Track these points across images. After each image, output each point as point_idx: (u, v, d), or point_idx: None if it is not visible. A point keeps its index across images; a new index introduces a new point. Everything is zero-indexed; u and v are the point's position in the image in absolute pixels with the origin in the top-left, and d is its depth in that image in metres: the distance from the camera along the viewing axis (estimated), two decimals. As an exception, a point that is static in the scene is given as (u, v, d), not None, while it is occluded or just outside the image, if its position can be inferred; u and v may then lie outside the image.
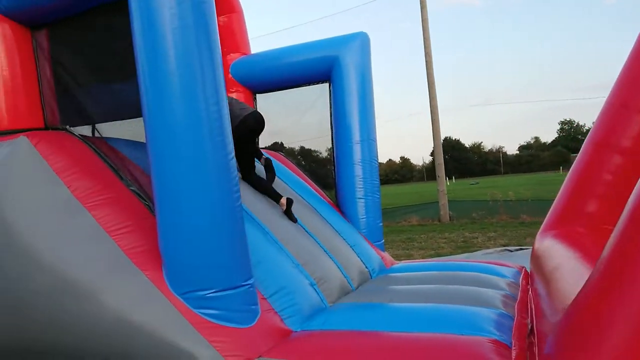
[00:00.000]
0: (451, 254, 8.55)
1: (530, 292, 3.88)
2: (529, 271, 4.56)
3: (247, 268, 2.80)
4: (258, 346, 2.67)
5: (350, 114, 5.16)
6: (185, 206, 2.62)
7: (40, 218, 2.83)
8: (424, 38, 14.25)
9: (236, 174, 2.79)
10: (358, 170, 5.11)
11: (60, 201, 2.85)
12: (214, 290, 2.64)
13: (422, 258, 8.22)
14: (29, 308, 2.78)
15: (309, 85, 5.41)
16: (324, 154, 5.76)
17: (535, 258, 4.34)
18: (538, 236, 4.70)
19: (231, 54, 5.58)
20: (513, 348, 2.64)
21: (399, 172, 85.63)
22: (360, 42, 5.27)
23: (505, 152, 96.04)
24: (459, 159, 79.43)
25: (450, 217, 14.05)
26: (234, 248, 2.73)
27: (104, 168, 3.06)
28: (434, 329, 2.80)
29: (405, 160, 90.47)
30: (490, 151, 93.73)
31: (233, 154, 2.77)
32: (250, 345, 2.65)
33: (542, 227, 4.78)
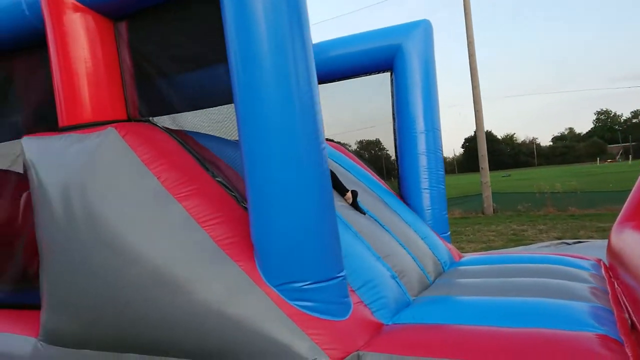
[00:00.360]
0: (504, 246, 8.35)
1: (616, 285, 3.72)
2: (606, 264, 4.39)
3: (340, 260, 2.74)
4: (355, 339, 2.61)
5: (414, 104, 5.04)
6: (280, 197, 2.57)
7: (130, 210, 2.82)
8: (466, 26, 13.95)
9: (327, 164, 2.73)
10: (423, 161, 5.00)
11: (150, 192, 2.84)
12: (309, 282, 2.59)
13: (474, 251, 8.05)
14: (121, 303, 2.77)
15: (370, 74, 5.31)
16: (384, 145, 5.67)
17: (616, 250, 4.17)
18: (615, 228, 4.52)
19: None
20: (625, 344, 2.51)
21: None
22: (423, 29, 5.15)
23: (539, 144, 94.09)
24: (492, 151, 77.16)
25: (494, 209, 13.77)
26: (328, 239, 2.67)
27: (189, 159, 3.04)
28: (532, 324, 2.68)
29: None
30: (523, 143, 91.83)
31: (325, 142, 2.71)
32: (347, 338, 2.59)
33: (618, 219, 4.60)
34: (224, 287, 2.62)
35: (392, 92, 5.26)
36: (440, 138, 5.14)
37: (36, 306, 3.58)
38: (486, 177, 14.14)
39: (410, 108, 5.06)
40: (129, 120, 3.23)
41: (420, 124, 5.03)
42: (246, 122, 2.60)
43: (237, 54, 2.57)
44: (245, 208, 2.92)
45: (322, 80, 5.64)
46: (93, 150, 2.95)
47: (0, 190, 4.21)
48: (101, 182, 2.89)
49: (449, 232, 5.11)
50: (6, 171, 4.67)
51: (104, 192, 2.87)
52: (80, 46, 3.17)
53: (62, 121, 3.20)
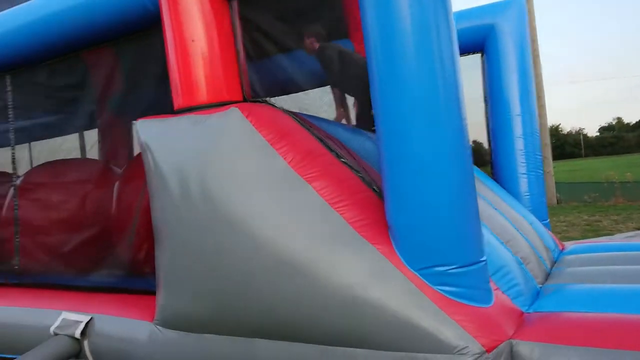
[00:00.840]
0: (583, 237, 8.00)
1: None
2: None
3: (482, 242, 2.59)
4: (504, 327, 2.45)
5: (509, 86, 4.83)
6: (424, 176, 2.43)
7: (258, 192, 2.74)
8: (527, 8, 13.42)
9: (468, 138, 2.59)
10: (519, 144, 4.78)
11: (277, 173, 2.75)
12: (455, 266, 2.44)
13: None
14: (250, 288, 2.70)
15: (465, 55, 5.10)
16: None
17: None
18: None
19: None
20: None
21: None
22: (517, 8, 4.92)
23: (586, 134, 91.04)
24: (537, 142, 75.82)
25: (557, 200, 13.30)
26: (473, 219, 2.53)
27: (312, 139, 2.94)
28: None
29: (477, 145, 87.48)
30: (569, 133, 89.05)
31: (466, 118, 2.56)
32: (496, 325, 2.44)
33: None
34: (363, 271, 2.51)
35: (483, 74, 5.05)
36: (537, 121, 4.90)
37: (145, 291, 3.60)
38: (549, 167, 13.65)
39: (505, 90, 4.85)
40: (244, 100, 3.16)
41: (515, 107, 4.81)
42: (385, 98, 2.48)
43: (374, 26, 2.45)
44: (374, 190, 2.81)
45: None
46: (216, 131, 2.88)
47: (96, 175, 4.24)
48: (225, 164, 2.82)
49: (548, 220, 4.87)
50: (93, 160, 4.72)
51: (229, 174, 2.80)
52: (195, 26, 3.11)
53: (178, 103, 3.15)
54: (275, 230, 2.66)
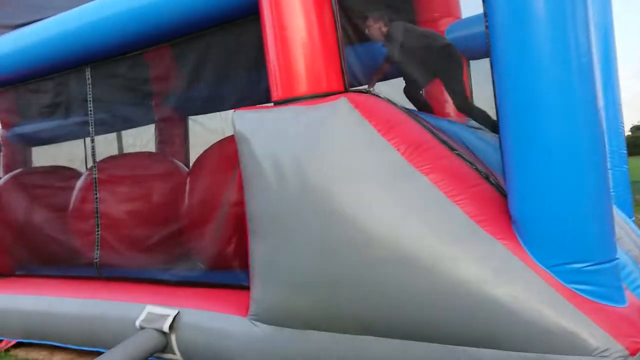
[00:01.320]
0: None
1: None
2: None
3: (614, 239, 2.45)
4: (642, 328, 2.31)
5: (592, 77, 4.62)
6: (561, 165, 2.31)
7: (369, 184, 2.65)
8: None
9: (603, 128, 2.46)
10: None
11: (391, 165, 2.65)
12: (591, 264, 2.31)
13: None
14: (361, 283, 2.61)
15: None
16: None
17: None
18: None
19: (443, 19, 5.23)
20: None
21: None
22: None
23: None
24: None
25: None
26: (608, 214, 2.39)
27: (422, 131, 2.83)
28: None
29: None
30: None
31: (602, 108, 2.42)
32: (634, 326, 2.30)
33: None
34: (488, 267, 2.39)
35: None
36: (622, 114, 4.70)
37: (231, 285, 3.55)
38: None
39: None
40: (346, 91, 3.06)
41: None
42: (515, 85, 2.36)
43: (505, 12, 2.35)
44: (490, 182, 2.69)
45: (478, 56, 5.34)
46: (323, 122, 2.79)
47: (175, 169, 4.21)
48: (334, 155, 2.73)
49: (634, 217, 4.67)
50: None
51: (337, 165, 2.71)
52: (296, 14, 3.03)
53: (277, 94, 3.08)
54: (389, 223, 2.56)
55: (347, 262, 2.63)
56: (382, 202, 2.60)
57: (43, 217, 4.84)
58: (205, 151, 4.07)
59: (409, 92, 3.58)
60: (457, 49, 3.78)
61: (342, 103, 2.78)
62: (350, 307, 2.68)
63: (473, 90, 4.34)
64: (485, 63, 5.30)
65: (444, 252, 2.45)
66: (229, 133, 4.04)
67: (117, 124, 4.28)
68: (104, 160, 4.27)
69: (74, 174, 5.32)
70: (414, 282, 2.47)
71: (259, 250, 3.03)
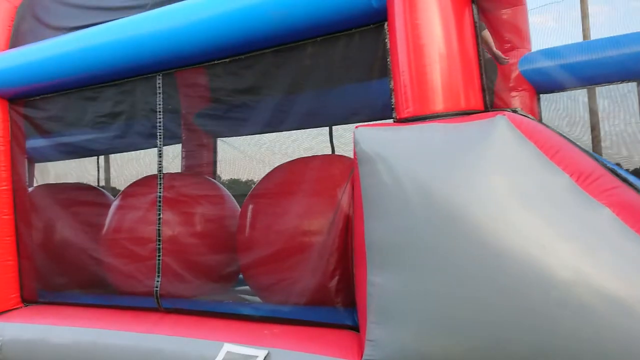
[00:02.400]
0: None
1: None
2: None
3: None
4: None
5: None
6: None
7: (536, 211, 2.34)
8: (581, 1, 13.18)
9: None
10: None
11: (561, 191, 2.35)
12: None
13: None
14: (532, 329, 2.26)
15: (619, 83, 4.79)
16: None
17: None
18: None
19: (514, 50, 5.09)
20: None
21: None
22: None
23: None
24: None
25: None
26: None
27: (586, 156, 2.55)
28: None
29: None
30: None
31: None
32: None
33: None
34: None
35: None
36: None
37: (328, 324, 3.16)
38: None
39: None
40: (486, 109, 2.80)
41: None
42: None
43: None
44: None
45: (550, 89, 5.20)
46: (479, 141, 2.50)
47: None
48: (494, 177, 2.42)
49: None
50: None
51: (497, 189, 2.40)
52: (433, 23, 2.77)
53: (406, 110, 2.80)
54: (566, 258, 2.24)
55: (514, 303, 2.29)
56: (553, 233, 2.28)
57: (77, 236, 4.40)
58: (287, 170, 3.72)
59: None
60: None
61: (501, 121, 2.50)
62: (512, 355, 2.32)
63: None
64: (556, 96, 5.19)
65: (637, 295, 2.14)
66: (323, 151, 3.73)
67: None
68: (171, 176, 3.87)
69: (100, 192, 4.98)
70: (610, 328, 2.14)
71: (382, 284, 2.66)
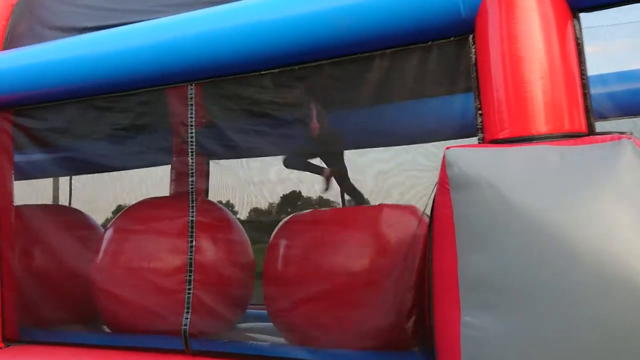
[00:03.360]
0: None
1: None
2: None
3: None
4: None
5: None
6: None
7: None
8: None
9: None
10: None
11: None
12: None
13: None
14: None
15: None
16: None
17: None
18: None
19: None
20: None
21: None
22: None
23: None
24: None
25: None
26: None
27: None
28: None
29: None
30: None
31: None
32: None
33: None
34: None
35: None
36: None
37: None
38: None
39: None
40: (591, 132, 2.56)
41: None
42: None
43: None
44: None
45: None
46: (603, 167, 2.24)
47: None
48: (626, 211, 2.16)
49: None
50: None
51: (632, 226, 2.14)
52: (534, 39, 2.53)
53: (502, 131, 2.53)
54: None
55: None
56: None
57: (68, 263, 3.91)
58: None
59: None
60: None
61: (627, 145, 2.26)
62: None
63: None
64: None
65: None
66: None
67: (227, 152, 3.46)
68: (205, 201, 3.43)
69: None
70: None
71: (481, 326, 2.33)
